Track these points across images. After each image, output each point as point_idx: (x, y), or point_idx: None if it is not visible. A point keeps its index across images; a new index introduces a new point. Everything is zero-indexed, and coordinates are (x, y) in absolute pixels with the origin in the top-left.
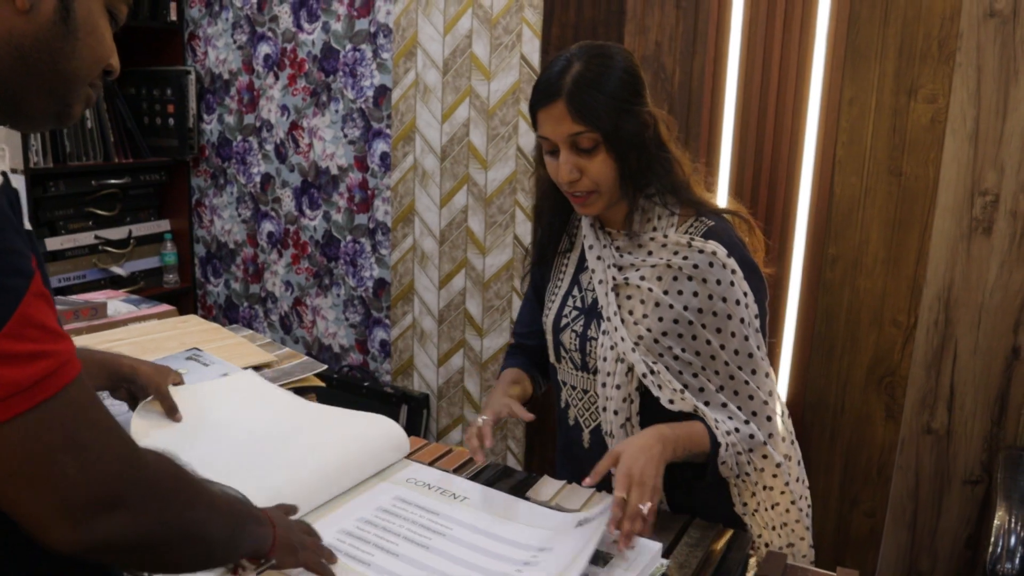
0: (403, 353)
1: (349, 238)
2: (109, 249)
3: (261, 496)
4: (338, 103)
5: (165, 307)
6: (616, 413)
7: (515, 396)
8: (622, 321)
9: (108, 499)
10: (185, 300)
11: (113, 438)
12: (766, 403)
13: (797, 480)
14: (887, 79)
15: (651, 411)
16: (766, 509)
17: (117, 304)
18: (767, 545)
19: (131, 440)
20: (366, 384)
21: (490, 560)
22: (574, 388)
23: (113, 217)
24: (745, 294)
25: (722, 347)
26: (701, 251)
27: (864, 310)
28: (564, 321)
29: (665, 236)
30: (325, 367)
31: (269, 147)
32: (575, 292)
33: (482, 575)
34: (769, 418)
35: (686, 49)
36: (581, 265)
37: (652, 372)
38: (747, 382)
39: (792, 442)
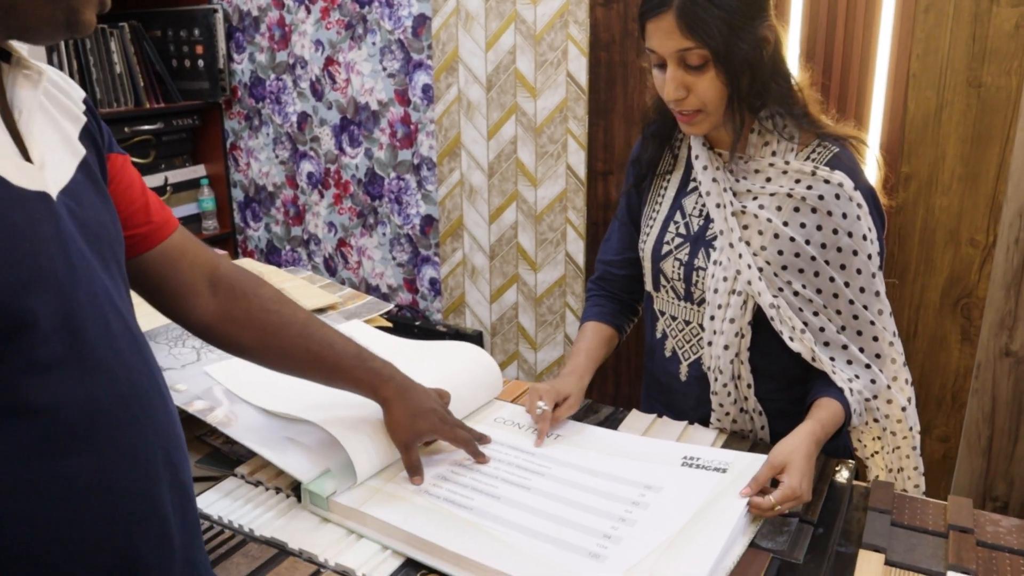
0: (454, 291)
1: (393, 175)
2: None
3: (359, 446)
4: (375, 35)
5: (219, 252)
6: (726, 348)
7: (587, 378)
8: (747, 246)
9: None
10: (225, 246)
11: None
12: (891, 344)
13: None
14: None
15: (761, 347)
16: (888, 452)
17: None
18: None
19: None
20: (417, 324)
21: (596, 499)
22: (674, 319)
23: (148, 164)
24: (870, 229)
25: (847, 284)
26: (827, 181)
27: (940, 230)
28: (666, 248)
29: (786, 162)
30: (391, 306)
31: (304, 85)
32: (677, 218)
33: (590, 515)
34: (893, 360)
35: None
36: (684, 188)
37: (773, 306)
38: (872, 322)
39: (911, 383)
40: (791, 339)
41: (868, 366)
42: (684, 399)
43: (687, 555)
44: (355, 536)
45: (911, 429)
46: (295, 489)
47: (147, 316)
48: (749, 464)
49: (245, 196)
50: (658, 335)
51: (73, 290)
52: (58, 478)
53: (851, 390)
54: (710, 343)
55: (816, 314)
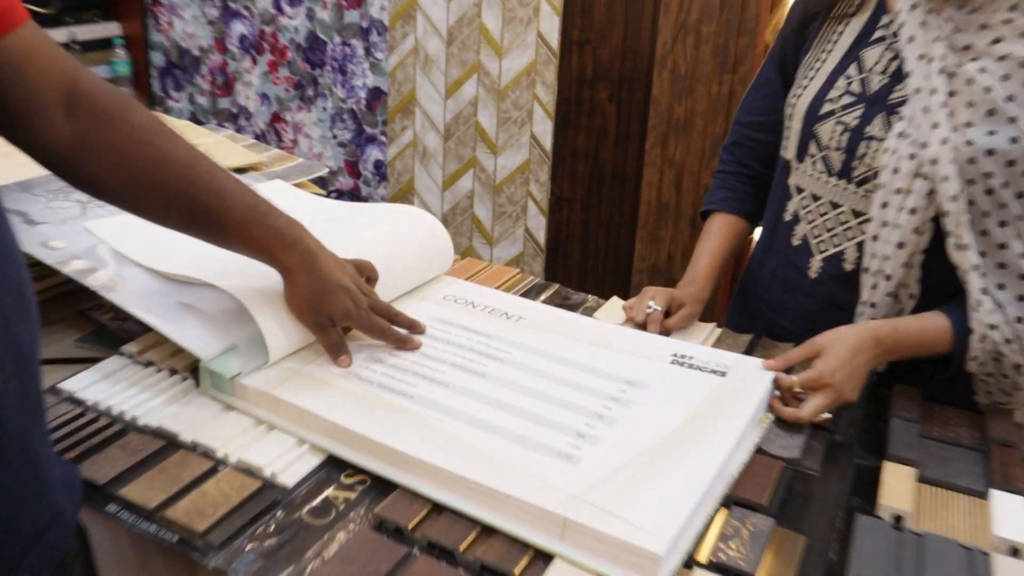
0: (402, 175)
1: (337, 40)
2: None
3: (273, 318)
4: None
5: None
6: (901, 246)
7: (708, 288)
8: (949, 117)
9: None
10: None
11: None
12: None
13: None
14: None
15: (936, 253)
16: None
17: None
18: None
19: None
20: None
21: (567, 391)
22: (816, 199)
23: (51, 17)
24: None
25: None
26: None
27: None
28: (827, 107)
29: None
30: (326, 170)
31: None
32: (851, 71)
33: (560, 409)
34: None
35: None
36: (868, 36)
37: (955, 198)
38: None
39: None
40: (957, 246)
41: None
42: (808, 301)
43: (682, 461)
44: (265, 427)
45: None
46: (194, 371)
47: (25, 165)
48: (753, 368)
49: (167, 61)
50: (787, 217)
51: None
52: None
53: (983, 336)
54: (875, 237)
55: (1004, 224)
